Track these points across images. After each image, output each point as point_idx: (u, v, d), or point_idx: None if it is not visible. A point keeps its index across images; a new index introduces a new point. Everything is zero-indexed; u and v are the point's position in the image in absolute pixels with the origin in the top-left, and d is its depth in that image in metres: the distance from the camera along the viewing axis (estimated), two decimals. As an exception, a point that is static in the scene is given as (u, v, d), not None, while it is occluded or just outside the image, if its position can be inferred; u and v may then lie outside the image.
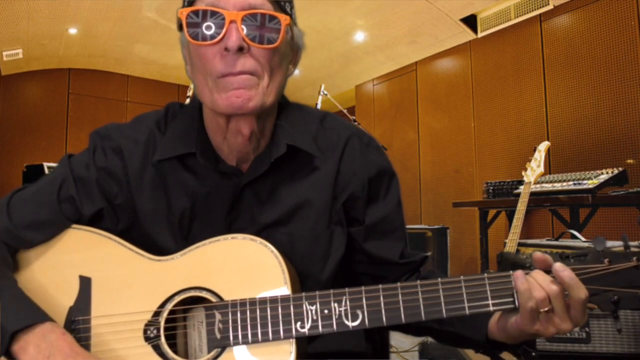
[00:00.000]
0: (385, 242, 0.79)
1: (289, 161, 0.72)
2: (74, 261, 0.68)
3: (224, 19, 0.61)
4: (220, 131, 0.70)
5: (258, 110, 0.66)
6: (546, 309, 0.60)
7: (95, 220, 0.72)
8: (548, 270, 0.62)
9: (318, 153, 0.74)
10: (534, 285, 0.60)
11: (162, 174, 0.73)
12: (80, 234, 0.69)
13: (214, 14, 0.62)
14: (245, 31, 0.62)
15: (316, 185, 0.74)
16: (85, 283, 0.66)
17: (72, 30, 4.33)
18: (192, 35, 0.63)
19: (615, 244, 1.83)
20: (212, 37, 0.62)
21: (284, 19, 0.63)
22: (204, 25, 0.62)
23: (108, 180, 0.73)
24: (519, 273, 0.61)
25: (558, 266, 0.60)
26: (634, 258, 0.61)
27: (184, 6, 0.67)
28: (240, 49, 0.62)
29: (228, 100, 0.63)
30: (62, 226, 0.70)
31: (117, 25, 4.27)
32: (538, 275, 0.61)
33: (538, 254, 0.63)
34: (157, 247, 0.71)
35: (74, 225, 0.70)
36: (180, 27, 0.66)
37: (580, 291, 0.59)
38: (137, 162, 0.73)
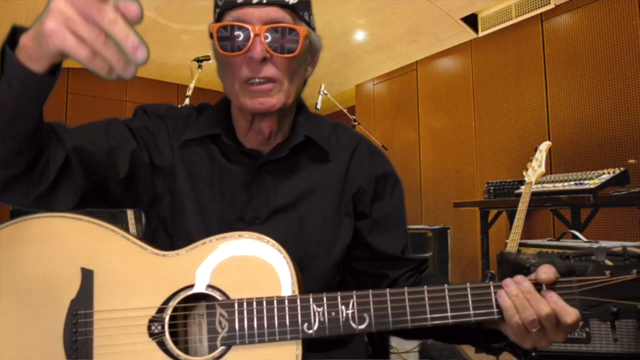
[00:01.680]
0: (387, 237, 0.83)
1: (305, 152, 0.80)
2: (76, 253, 0.66)
3: (249, 32, 0.69)
4: (244, 128, 0.79)
5: (280, 110, 0.74)
6: (536, 329, 0.61)
7: (131, 179, 0.75)
8: (539, 287, 0.63)
9: (330, 149, 0.82)
10: (525, 305, 0.62)
11: (191, 153, 0.80)
12: (82, 225, 0.68)
13: (240, 28, 0.69)
14: (268, 43, 0.69)
15: (327, 176, 0.81)
16: (87, 276, 0.65)
17: (71, 30, 4.31)
18: (222, 47, 0.71)
19: (616, 244, 1.83)
20: (239, 48, 0.70)
21: (301, 30, 0.71)
22: (232, 38, 0.70)
23: (149, 136, 0.79)
24: (501, 292, 0.63)
25: (545, 291, 0.62)
26: (634, 270, 0.61)
27: (214, 21, 0.74)
28: (264, 59, 0.70)
29: (253, 105, 0.72)
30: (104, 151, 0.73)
31: (116, 25, 4.25)
32: (530, 296, 0.62)
33: (544, 272, 0.63)
34: (181, 224, 0.76)
35: (77, 216, 0.69)
36: (211, 36, 0.73)
37: (567, 316, 0.60)
38: (174, 134, 0.80)
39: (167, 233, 0.78)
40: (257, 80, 0.70)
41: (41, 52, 0.50)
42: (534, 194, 2.37)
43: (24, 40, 0.51)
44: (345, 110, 3.69)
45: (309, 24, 0.75)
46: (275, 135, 0.79)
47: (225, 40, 0.70)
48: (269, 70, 0.70)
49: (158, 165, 0.79)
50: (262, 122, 0.76)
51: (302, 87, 0.80)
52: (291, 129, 0.81)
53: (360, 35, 4.45)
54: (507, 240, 2.12)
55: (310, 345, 0.68)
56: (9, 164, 0.60)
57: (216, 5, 0.74)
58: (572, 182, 2.55)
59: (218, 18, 0.73)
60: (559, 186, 2.59)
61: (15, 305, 0.64)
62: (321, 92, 3.51)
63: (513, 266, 1.60)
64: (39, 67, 0.52)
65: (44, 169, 0.64)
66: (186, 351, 0.67)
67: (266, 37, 0.69)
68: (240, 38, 0.69)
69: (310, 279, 0.73)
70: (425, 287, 0.65)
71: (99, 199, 0.74)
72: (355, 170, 0.82)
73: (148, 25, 4.25)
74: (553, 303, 0.61)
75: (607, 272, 0.62)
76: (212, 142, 0.80)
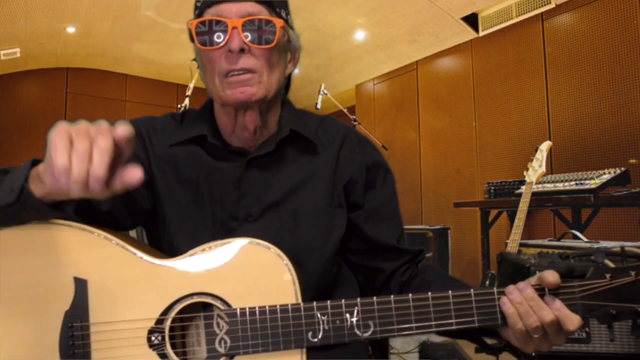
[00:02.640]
0: (383, 226, 0.84)
1: (292, 146, 0.80)
2: (68, 262, 0.63)
3: (227, 26, 0.71)
4: (229, 125, 0.79)
5: (261, 101, 0.74)
6: (538, 335, 0.62)
7: (128, 200, 0.75)
8: (542, 293, 0.63)
9: (318, 142, 0.82)
10: (529, 312, 0.62)
11: (176, 158, 0.80)
12: (73, 233, 0.65)
13: (218, 22, 0.72)
14: (245, 35, 0.71)
15: (317, 168, 0.81)
16: (80, 285, 0.63)
17: (70, 29, 4.30)
18: (201, 42, 0.73)
19: (616, 245, 1.82)
20: (218, 42, 0.72)
21: (278, 22, 0.73)
22: (211, 32, 0.72)
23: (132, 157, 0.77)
24: (504, 299, 0.64)
25: (548, 298, 0.63)
26: (633, 273, 0.62)
27: (194, 18, 0.76)
28: (242, 50, 0.71)
29: (234, 95, 0.72)
30: None
31: (116, 24, 4.25)
32: (534, 303, 0.63)
33: (551, 274, 0.63)
34: (166, 235, 0.76)
35: (68, 223, 0.66)
36: (191, 38, 0.75)
37: (569, 323, 0.61)
38: (155, 145, 0.81)
39: (157, 247, 0.78)
40: (236, 72, 0.71)
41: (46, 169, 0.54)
42: (534, 194, 2.37)
43: (39, 167, 0.58)
44: (345, 110, 3.69)
45: (287, 22, 0.77)
46: (261, 131, 0.79)
47: (203, 35, 0.72)
48: (248, 62, 0.72)
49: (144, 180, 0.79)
50: (245, 116, 0.76)
51: (284, 85, 0.80)
52: (277, 125, 0.82)
53: (360, 35, 4.44)
54: (508, 241, 2.12)
55: (310, 346, 0.67)
56: None
57: (195, 7, 0.76)
58: (572, 182, 2.55)
59: (197, 16, 0.75)
60: (560, 186, 2.58)
61: (5, 318, 0.61)
62: (321, 92, 3.51)
63: (513, 266, 1.59)
64: (54, 199, 0.58)
65: None
66: (189, 360, 0.66)
67: (244, 30, 0.71)
68: (219, 32, 0.71)
69: (308, 272, 0.73)
70: (430, 293, 0.65)
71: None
72: (345, 161, 0.83)
73: (148, 25, 4.24)
74: (556, 310, 0.61)
75: (608, 276, 0.63)
76: (198, 144, 0.80)
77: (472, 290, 0.65)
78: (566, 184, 2.57)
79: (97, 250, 0.65)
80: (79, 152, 0.51)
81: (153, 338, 0.63)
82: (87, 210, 0.69)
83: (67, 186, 0.51)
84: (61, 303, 0.62)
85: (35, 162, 0.61)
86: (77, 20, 4.15)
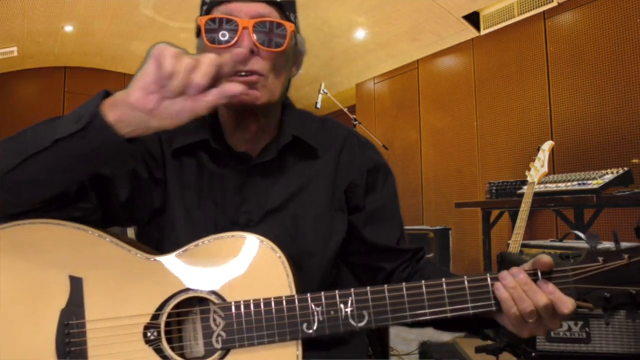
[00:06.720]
0: (382, 228, 0.84)
1: (293, 152, 0.80)
2: (63, 260, 0.64)
3: (237, 25, 0.70)
4: (231, 126, 0.79)
5: (265, 105, 0.74)
6: (533, 320, 0.62)
7: (132, 200, 0.74)
8: (535, 278, 0.64)
9: (319, 146, 0.82)
10: (523, 297, 0.62)
11: (180, 162, 0.80)
12: (67, 232, 0.66)
13: (228, 21, 0.71)
14: (255, 36, 0.70)
15: (317, 172, 0.81)
16: (76, 284, 0.63)
17: (68, 28, 4.29)
18: (209, 39, 0.72)
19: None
20: (227, 41, 0.71)
21: (289, 26, 0.73)
22: (220, 31, 0.71)
23: (142, 147, 0.78)
24: (498, 285, 0.64)
25: (541, 283, 0.63)
26: (626, 256, 0.63)
27: (201, 15, 0.76)
28: (251, 52, 0.70)
29: (238, 98, 0.70)
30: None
31: (114, 23, 4.23)
32: (527, 287, 0.63)
33: (545, 256, 0.64)
34: (172, 237, 0.76)
35: (61, 222, 0.66)
36: (198, 34, 0.75)
37: (563, 306, 0.61)
38: (167, 139, 0.81)
39: (156, 248, 0.77)
40: (243, 73, 0.71)
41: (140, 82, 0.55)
42: (536, 194, 2.36)
43: (116, 94, 0.58)
44: (345, 110, 3.67)
45: (295, 25, 0.77)
46: (262, 133, 0.79)
47: (212, 32, 0.71)
48: (256, 64, 0.71)
49: (158, 177, 0.78)
50: (247, 118, 0.77)
51: (287, 88, 0.81)
52: (278, 128, 0.82)
53: (360, 34, 4.43)
54: (510, 241, 2.11)
55: (310, 345, 0.67)
56: (26, 207, 0.64)
57: (203, 3, 0.76)
58: (575, 182, 2.54)
59: (206, 13, 0.74)
60: (562, 186, 2.57)
61: (1, 317, 0.62)
62: (321, 91, 3.49)
63: (513, 267, 1.58)
64: (123, 130, 0.57)
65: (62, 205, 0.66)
66: (184, 356, 0.66)
67: (254, 31, 0.70)
68: (229, 31, 0.70)
69: (309, 276, 0.74)
70: (423, 282, 0.66)
71: (101, 222, 0.72)
72: (345, 164, 0.83)
73: (146, 23, 4.22)
74: (550, 294, 0.62)
75: (600, 259, 0.63)
76: (201, 148, 0.80)
77: (465, 277, 0.65)
78: (568, 184, 2.56)
79: (91, 248, 0.65)
80: (186, 61, 0.54)
81: (149, 334, 0.63)
82: (106, 203, 0.70)
83: (165, 94, 0.54)
84: (57, 301, 0.63)
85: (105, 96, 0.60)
86: (74, 19, 4.13)
